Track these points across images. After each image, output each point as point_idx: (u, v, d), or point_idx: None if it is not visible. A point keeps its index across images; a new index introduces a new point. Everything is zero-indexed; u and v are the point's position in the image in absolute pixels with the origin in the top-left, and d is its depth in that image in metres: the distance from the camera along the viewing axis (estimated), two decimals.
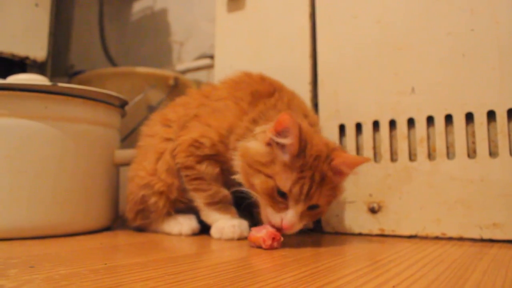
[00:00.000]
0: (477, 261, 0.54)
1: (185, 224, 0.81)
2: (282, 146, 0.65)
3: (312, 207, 0.66)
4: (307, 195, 0.64)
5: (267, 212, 0.67)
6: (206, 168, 0.77)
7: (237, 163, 0.70)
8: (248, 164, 0.67)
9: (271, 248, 0.63)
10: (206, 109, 0.80)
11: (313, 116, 0.81)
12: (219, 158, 0.76)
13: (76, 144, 0.84)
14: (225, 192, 0.78)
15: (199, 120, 0.78)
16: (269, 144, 0.66)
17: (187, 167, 0.78)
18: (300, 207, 0.64)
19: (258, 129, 0.69)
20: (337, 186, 0.69)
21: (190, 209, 0.82)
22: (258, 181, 0.65)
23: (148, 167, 0.83)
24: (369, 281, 0.44)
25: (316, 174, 0.64)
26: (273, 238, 0.64)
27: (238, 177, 0.71)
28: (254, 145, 0.68)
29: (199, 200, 0.78)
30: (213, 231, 0.76)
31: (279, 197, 0.65)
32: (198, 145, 0.76)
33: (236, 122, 0.74)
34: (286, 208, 0.65)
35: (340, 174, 0.68)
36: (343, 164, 0.66)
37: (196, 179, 0.77)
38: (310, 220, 0.70)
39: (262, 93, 0.77)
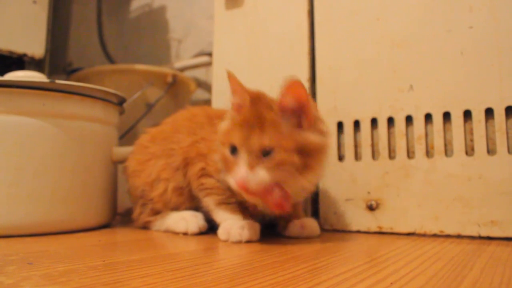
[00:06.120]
0: (475, 258, 0.54)
1: (191, 221, 0.78)
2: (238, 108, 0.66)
3: (266, 154, 0.61)
4: (247, 140, 0.61)
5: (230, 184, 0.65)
6: (222, 178, 0.74)
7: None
8: (221, 143, 0.67)
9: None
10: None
11: None
12: None
13: (74, 141, 0.84)
14: (239, 199, 0.72)
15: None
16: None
17: (203, 183, 0.76)
18: (245, 157, 0.61)
19: (222, 124, 0.70)
20: (297, 130, 0.63)
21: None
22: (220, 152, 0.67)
23: (150, 176, 0.85)
24: (367, 278, 0.44)
25: (252, 118, 0.62)
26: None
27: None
28: (223, 123, 0.69)
29: (211, 202, 0.75)
30: (220, 232, 0.71)
31: (231, 157, 0.64)
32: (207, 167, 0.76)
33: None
34: (237, 165, 0.62)
35: (290, 112, 0.63)
36: (276, 100, 0.63)
37: (211, 187, 0.75)
38: (286, 174, 0.62)
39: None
